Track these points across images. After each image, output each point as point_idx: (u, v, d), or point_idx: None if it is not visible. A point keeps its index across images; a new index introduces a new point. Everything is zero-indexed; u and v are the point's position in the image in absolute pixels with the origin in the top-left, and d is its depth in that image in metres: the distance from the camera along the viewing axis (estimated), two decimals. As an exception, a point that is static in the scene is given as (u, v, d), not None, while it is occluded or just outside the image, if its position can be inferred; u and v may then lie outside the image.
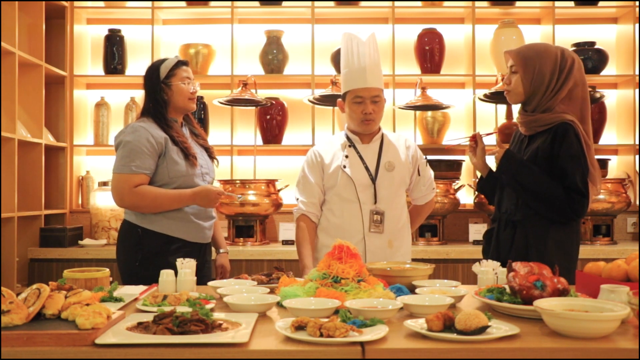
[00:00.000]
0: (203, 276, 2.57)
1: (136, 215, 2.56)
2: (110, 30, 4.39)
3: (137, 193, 2.48)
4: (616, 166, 4.45)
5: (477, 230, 4.01)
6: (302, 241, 2.64)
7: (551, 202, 2.33)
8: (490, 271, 2.05)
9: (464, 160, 4.22)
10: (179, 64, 2.65)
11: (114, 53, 4.37)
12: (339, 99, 2.72)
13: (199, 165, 2.61)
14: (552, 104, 2.40)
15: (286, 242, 3.96)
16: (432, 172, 2.82)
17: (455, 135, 4.37)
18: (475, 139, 2.59)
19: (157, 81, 2.61)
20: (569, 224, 2.39)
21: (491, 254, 2.50)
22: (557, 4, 4.33)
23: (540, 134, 2.43)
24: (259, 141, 4.34)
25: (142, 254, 2.53)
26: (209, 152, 2.76)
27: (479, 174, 2.72)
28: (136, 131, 2.52)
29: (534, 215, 2.38)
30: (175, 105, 2.63)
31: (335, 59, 4.18)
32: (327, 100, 4.12)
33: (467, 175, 4.34)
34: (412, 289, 1.98)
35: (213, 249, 2.85)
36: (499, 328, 1.46)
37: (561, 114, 2.38)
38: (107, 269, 2.11)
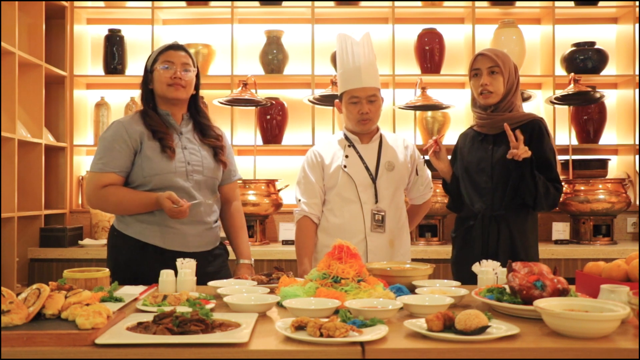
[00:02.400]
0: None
1: (117, 217, 2.40)
2: (110, 30, 4.40)
3: (102, 194, 2.28)
4: (616, 166, 4.45)
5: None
6: (303, 245, 2.64)
7: (546, 195, 2.45)
8: (490, 271, 2.05)
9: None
10: (168, 48, 2.37)
11: (114, 53, 4.37)
12: (337, 100, 2.74)
13: (184, 162, 2.32)
14: (514, 101, 2.56)
15: (286, 242, 3.96)
16: (429, 172, 2.83)
17: (454, 135, 4.36)
18: (438, 143, 2.65)
19: (146, 71, 2.41)
20: (536, 211, 2.57)
21: (476, 250, 2.52)
22: (557, 4, 4.33)
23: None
24: (259, 141, 4.34)
25: (116, 259, 2.36)
26: (216, 152, 2.45)
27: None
28: (113, 127, 2.34)
29: (514, 209, 2.51)
30: (158, 93, 2.36)
31: (335, 59, 4.18)
32: (327, 100, 4.12)
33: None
34: (412, 289, 1.97)
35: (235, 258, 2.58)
36: (499, 328, 1.46)
37: (526, 112, 2.58)
38: (107, 269, 2.10)
